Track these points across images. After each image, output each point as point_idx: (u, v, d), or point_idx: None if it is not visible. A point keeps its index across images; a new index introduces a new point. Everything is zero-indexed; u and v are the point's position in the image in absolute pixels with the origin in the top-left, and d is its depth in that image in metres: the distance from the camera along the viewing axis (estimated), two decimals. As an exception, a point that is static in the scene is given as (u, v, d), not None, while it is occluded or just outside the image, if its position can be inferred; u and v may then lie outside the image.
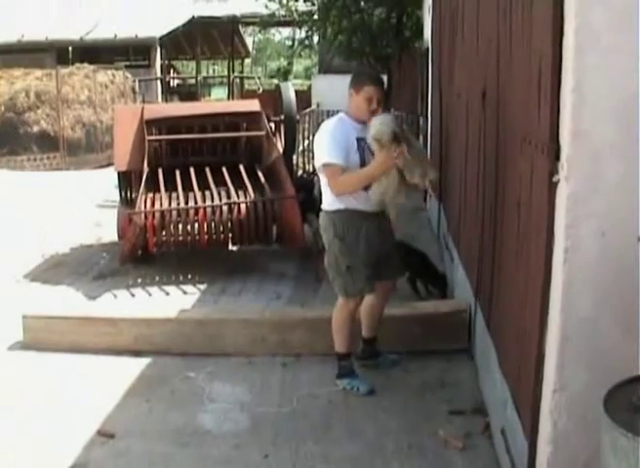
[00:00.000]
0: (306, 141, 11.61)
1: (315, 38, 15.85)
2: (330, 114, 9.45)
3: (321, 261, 4.16)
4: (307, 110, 13.64)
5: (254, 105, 7.15)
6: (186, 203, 6.07)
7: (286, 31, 32.79)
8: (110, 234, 7.04)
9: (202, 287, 5.97)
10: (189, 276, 6.25)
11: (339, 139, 3.77)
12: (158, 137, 6.70)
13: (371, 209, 3.85)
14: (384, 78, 12.89)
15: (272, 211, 6.11)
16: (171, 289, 5.93)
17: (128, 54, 20.96)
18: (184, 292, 5.85)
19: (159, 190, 6.26)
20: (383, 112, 3.90)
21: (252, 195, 6.16)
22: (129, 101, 16.75)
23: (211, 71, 34.64)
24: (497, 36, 3.60)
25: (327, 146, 3.78)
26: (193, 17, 21.21)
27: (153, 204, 6.06)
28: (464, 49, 5.23)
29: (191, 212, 5.99)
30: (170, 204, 6.05)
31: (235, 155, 6.84)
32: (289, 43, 24.53)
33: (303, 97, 16.45)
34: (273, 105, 7.89)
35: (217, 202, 6.05)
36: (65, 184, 11.95)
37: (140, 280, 6.14)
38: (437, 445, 3.43)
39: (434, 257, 5.87)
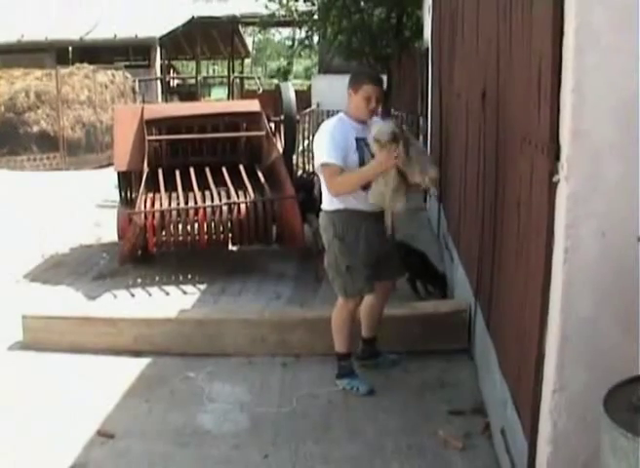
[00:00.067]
0: (306, 141, 11.60)
1: (315, 38, 15.86)
2: (330, 114, 9.46)
3: (321, 261, 4.16)
4: (307, 110, 13.64)
5: (254, 105, 7.15)
6: (186, 203, 6.07)
7: (286, 31, 32.86)
8: (110, 234, 7.04)
9: (202, 287, 5.97)
10: (189, 276, 6.25)
11: (337, 139, 3.77)
12: (158, 137, 6.70)
13: (371, 209, 3.85)
14: (384, 78, 12.96)
15: (272, 211, 6.11)
16: (171, 289, 5.93)
17: (128, 54, 20.96)
18: (184, 293, 5.85)
19: (159, 190, 6.26)
20: (383, 110, 3.91)
21: (252, 195, 6.16)
22: (129, 101, 16.74)
23: (211, 71, 34.64)
24: (497, 36, 3.60)
25: (325, 146, 3.78)
26: (193, 17, 21.21)
27: (153, 204, 6.06)
28: (464, 49, 5.23)
29: (191, 212, 5.99)
30: (170, 204, 6.05)
31: (235, 155, 6.84)
32: (289, 43, 24.54)
33: (303, 97, 16.45)
34: (273, 105, 7.89)
35: (216, 202, 6.05)
36: (65, 184, 11.95)
37: (139, 280, 6.14)
38: (437, 445, 3.43)
39: (434, 257, 5.87)
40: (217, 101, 17.66)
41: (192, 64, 28.74)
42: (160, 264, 6.48)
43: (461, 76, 5.42)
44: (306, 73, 36.91)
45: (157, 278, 6.22)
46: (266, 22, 17.07)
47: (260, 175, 6.57)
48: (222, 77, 27.88)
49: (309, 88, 21.28)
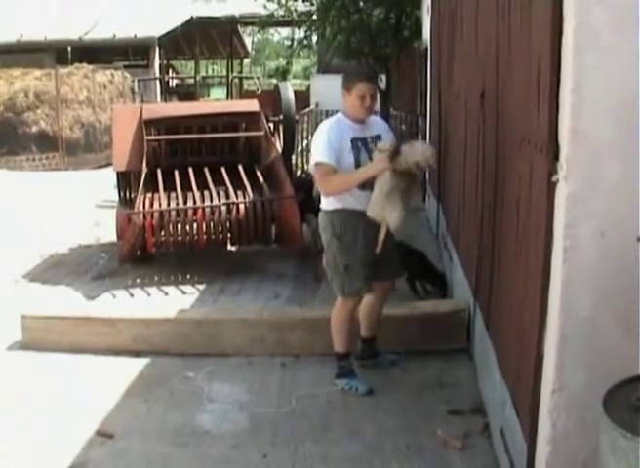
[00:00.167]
0: (305, 141, 11.60)
1: (314, 38, 15.80)
2: (329, 114, 9.45)
3: (320, 261, 4.16)
4: (306, 110, 13.63)
5: (253, 105, 7.15)
6: (185, 203, 6.07)
7: (285, 31, 32.80)
8: (109, 234, 7.04)
9: (201, 287, 5.97)
10: (188, 276, 6.24)
11: (332, 140, 3.78)
12: (157, 137, 6.69)
13: (369, 209, 3.85)
14: (383, 78, 12.96)
15: (271, 211, 6.11)
16: (170, 289, 5.92)
17: (127, 54, 20.95)
18: (183, 293, 5.84)
19: (158, 190, 6.25)
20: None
21: (251, 195, 6.16)
22: (128, 101, 16.75)
23: (210, 71, 34.63)
24: (496, 36, 3.60)
25: (320, 146, 3.80)
26: (192, 17, 21.22)
27: (152, 204, 6.06)
28: (463, 49, 5.23)
29: (190, 212, 5.99)
30: (169, 204, 6.05)
31: (234, 155, 6.83)
32: (288, 43, 24.52)
33: (302, 96, 16.44)
34: (272, 105, 7.89)
35: (215, 202, 6.05)
36: (64, 184, 11.95)
37: (138, 280, 6.14)
38: (436, 445, 3.43)
39: (433, 257, 5.87)
40: (216, 101, 17.67)
41: (191, 64, 28.76)
42: (159, 264, 6.48)
43: (461, 76, 5.42)
44: (305, 73, 36.93)
45: (156, 278, 6.21)
46: (265, 22, 17.04)
47: (259, 174, 6.57)
48: (221, 77, 27.88)
49: (308, 88, 21.25)
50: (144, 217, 5.87)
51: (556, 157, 2.33)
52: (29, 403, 3.95)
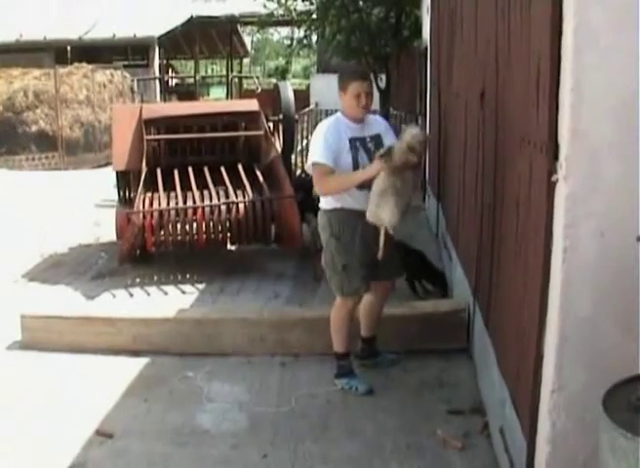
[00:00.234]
0: (305, 141, 11.60)
1: (314, 37, 15.79)
2: (328, 113, 9.44)
3: (319, 261, 4.16)
4: (306, 110, 13.64)
5: (252, 105, 7.15)
6: (185, 202, 6.07)
7: (284, 31, 32.85)
8: (109, 234, 7.04)
9: (200, 286, 5.97)
10: (188, 276, 6.24)
11: (330, 141, 3.78)
12: (156, 137, 6.69)
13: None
14: (383, 77, 12.97)
15: (271, 210, 6.11)
16: (169, 288, 5.93)
17: (126, 53, 20.93)
18: (183, 292, 5.84)
19: (157, 190, 6.25)
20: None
21: (250, 195, 6.16)
22: (127, 101, 16.74)
23: (209, 71, 34.63)
24: (495, 36, 3.60)
25: (317, 146, 3.80)
26: (192, 16, 21.20)
27: (152, 203, 6.05)
28: (463, 48, 5.23)
29: (190, 211, 5.98)
30: (168, 203, 6.05)
31: (234, 155, 6.83)
32: (287, 42, 24.53)
33: (302, 96, 16.46)
34: (272, 105, 7.89)
35: (215, 201, 6.04)
36: (64, 184, 11.95)
37: (138, 279, 6.14)
38: (436, 444, 3.43)
39: (432, 257, 5.87)
40: (215, 101, 17.69)
41: (191, 64, 28.75)
42: (159, 264, 6.48)
43: (460, 76, 5.42)
44: (305, 72, 36.92)
45: (156, 277, 6.21)
46: (265, 22, 17.04)
47: (258, 174, 6.57)
48: (221, 76, 27.86)
49: (308, 87, 21.28)
50: (144, 217, 5.87)
51: (556, 157, 2.33)
52: (29, 403, 3.95)
